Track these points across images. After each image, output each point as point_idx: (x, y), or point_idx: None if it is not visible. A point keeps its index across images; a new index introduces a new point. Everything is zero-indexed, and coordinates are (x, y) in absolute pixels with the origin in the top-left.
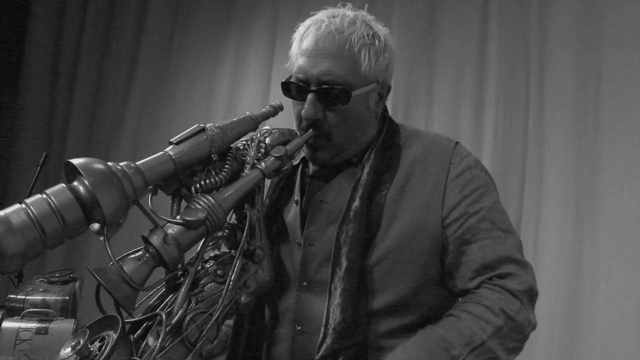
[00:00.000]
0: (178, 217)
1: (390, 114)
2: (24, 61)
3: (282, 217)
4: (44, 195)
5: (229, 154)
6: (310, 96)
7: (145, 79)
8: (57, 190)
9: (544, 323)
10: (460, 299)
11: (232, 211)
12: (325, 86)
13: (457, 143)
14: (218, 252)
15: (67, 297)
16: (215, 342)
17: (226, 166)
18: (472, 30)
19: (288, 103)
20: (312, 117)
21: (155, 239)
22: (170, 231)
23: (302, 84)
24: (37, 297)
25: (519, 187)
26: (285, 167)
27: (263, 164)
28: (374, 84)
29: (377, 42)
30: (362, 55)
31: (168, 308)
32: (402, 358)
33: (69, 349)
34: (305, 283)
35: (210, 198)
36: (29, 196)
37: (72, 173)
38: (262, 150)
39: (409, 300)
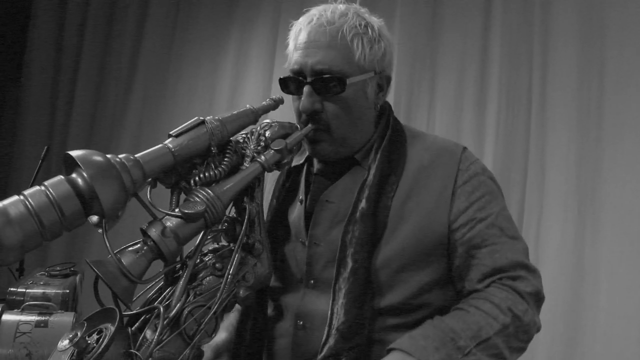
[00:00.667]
0: (177, 209)
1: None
2: (26, 57)
3: (286, 215)
4: (42, 187)
5: (229, 147)
6: (306, 88)
7: (147, 73)
8: (56, 182)
9: (545, 322)
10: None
11: (231, 204)
12: (320, 76)
13: (464, 148)
14: (217, 246)
15: (68, 291)
16: (213, 335)
17: (226, 159)
18: (475, 27)
19: (289, 97)
20: (310, 109)
21: (154, 232)
22: (169, 224)
23: (298, 78)
24: (38, 290)
25: (521, 184)
26: (285, 161)
27: (263, 157)
28: (370, 73)
29: (370, 31)
30: (355, 43)
31: (166, 301)
32: (409, 344)
33: (66, 341)
34: (312, 281)
35: (210, 191)
36: None
37: (71, 165)
38: (262, 144)
39: (413, 302)
